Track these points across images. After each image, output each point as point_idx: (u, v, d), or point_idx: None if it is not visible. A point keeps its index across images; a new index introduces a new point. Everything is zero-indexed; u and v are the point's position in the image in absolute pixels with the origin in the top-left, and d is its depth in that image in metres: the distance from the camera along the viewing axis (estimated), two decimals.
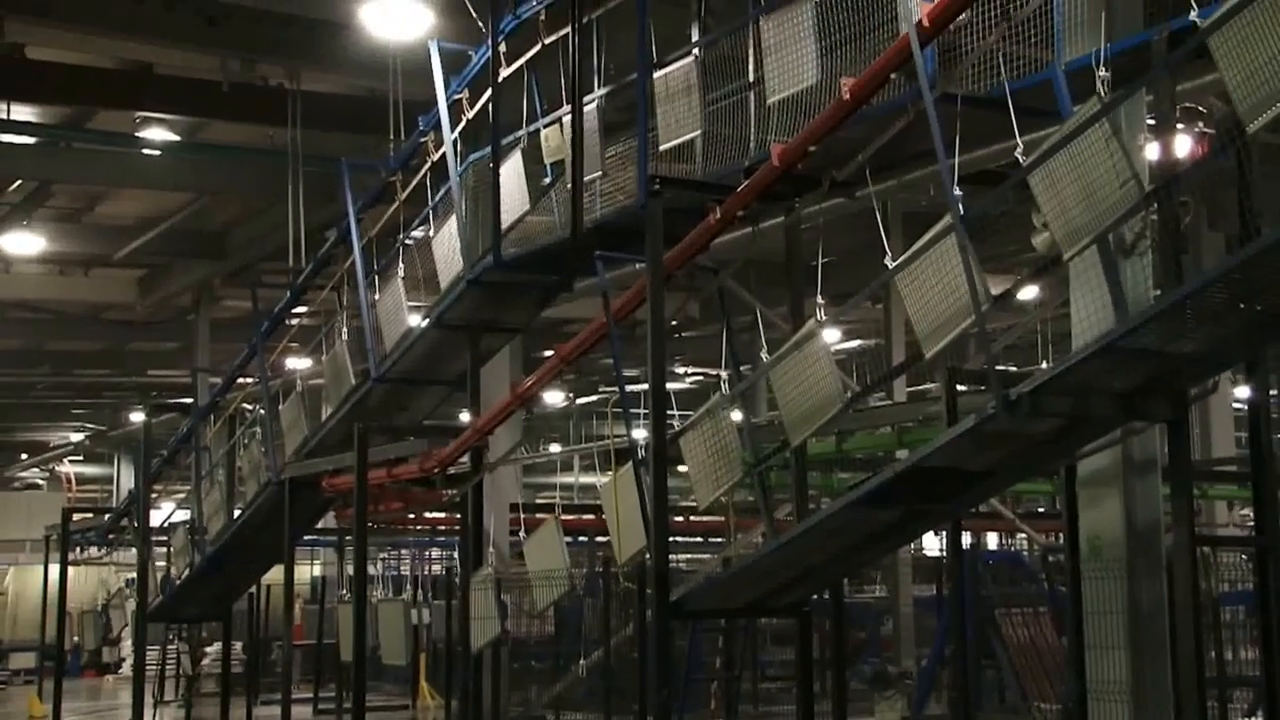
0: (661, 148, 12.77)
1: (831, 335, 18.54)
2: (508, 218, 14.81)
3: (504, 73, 15.09)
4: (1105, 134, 8.69)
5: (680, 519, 24.96)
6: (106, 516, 28.12)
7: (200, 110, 22.31)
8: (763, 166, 11.65)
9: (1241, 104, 7.90)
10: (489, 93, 15.23)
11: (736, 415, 11.90)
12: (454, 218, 15.80)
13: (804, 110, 11.47)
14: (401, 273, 16.78)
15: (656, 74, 12.82)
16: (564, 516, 14.66)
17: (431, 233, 16.47)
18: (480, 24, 15.76)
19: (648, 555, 12.28)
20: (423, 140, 16.47)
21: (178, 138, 23.96)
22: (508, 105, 15.17)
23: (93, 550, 29.44)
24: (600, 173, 13.58)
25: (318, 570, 39.58)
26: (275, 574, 22.47)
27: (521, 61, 15.03)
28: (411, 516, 24.43)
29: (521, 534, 15.18)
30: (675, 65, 12.70)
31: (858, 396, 14.37)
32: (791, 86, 11.33)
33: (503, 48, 15.04)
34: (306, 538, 26.91)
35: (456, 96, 15.89)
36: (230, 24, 19.17)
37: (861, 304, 16.41)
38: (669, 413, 12.08)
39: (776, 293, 14.24)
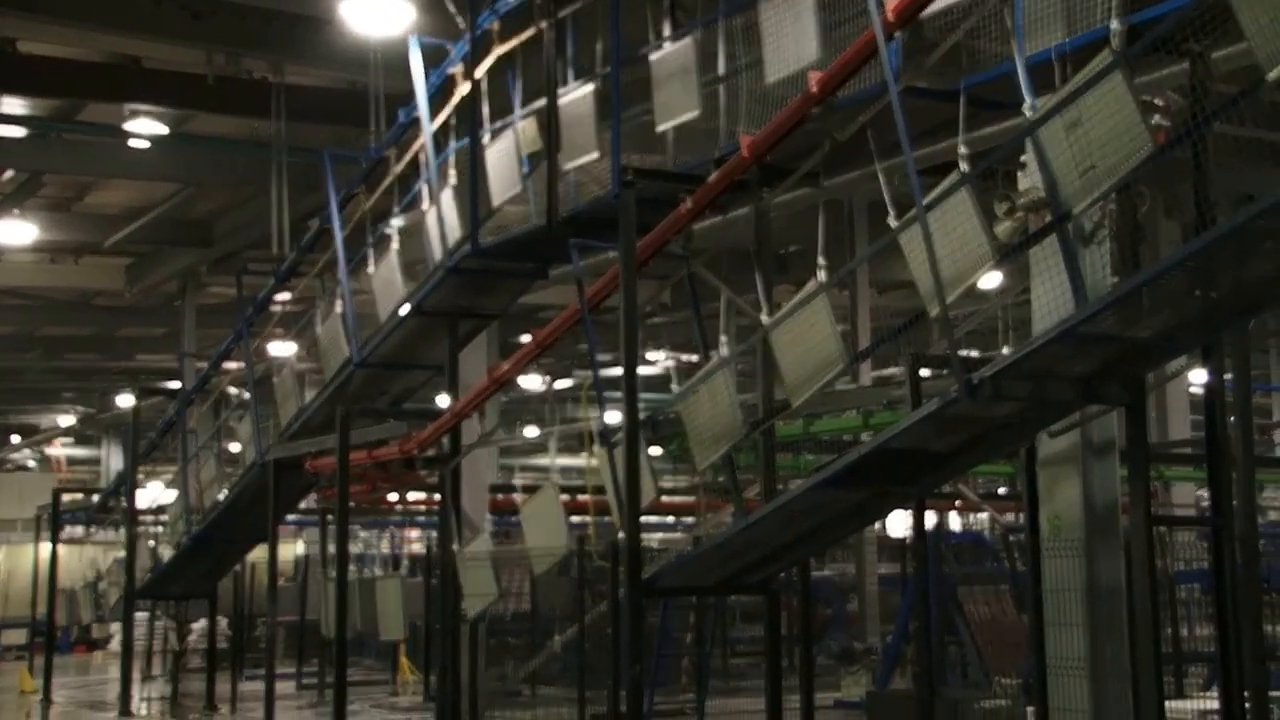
0: (660, 129, 12.87)
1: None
2: (498, 199, 14.97)
3: (481, 68, 15.35)
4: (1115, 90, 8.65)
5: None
6: (95, 497, 28.39)
7: (186, 103, 22.42)
8: (733, 157, 11.83)
9: (1261, 50, 7.82)
10: (468, 87, 15.52)
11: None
12: (434, 206, 16.09)
13: (774, 102, 11.64)
14: (386, 257, 17.09)
15: (654, 56, 12.89)
16: None
17: (424, 206, 16.62)
18: (459, 20, 15.95)
19: (620, 534, 12.47)
20: (416, 115, 16.57)
21: (165, 129, 24.15)
22: (499, 94, 15.37)
23: (81, 529, 29.67)
24: (595, 155, 13.64)
25: (301, 549, 39.69)
26: (260, 552, 22.74)
27: (498, 53, 15.25)
28: (395, 497, 24.65)
29: (518, 495, 15.35)
30: (674, 46, 12.77)
31: (859, 357, 14.22)
32: (792, 66, 11.37)
33: (496, 26, 15.18)
34: (291, 517, 27.14)
35: (451, 70, 16.04)
36: (215, 19, 19.36)
37: (872, 258, 16.09)
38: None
39: (745, 279, 14.27)
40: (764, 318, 11.38)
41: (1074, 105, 8.85)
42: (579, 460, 13.50)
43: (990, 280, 18.21)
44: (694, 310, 13.58)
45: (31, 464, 55.25)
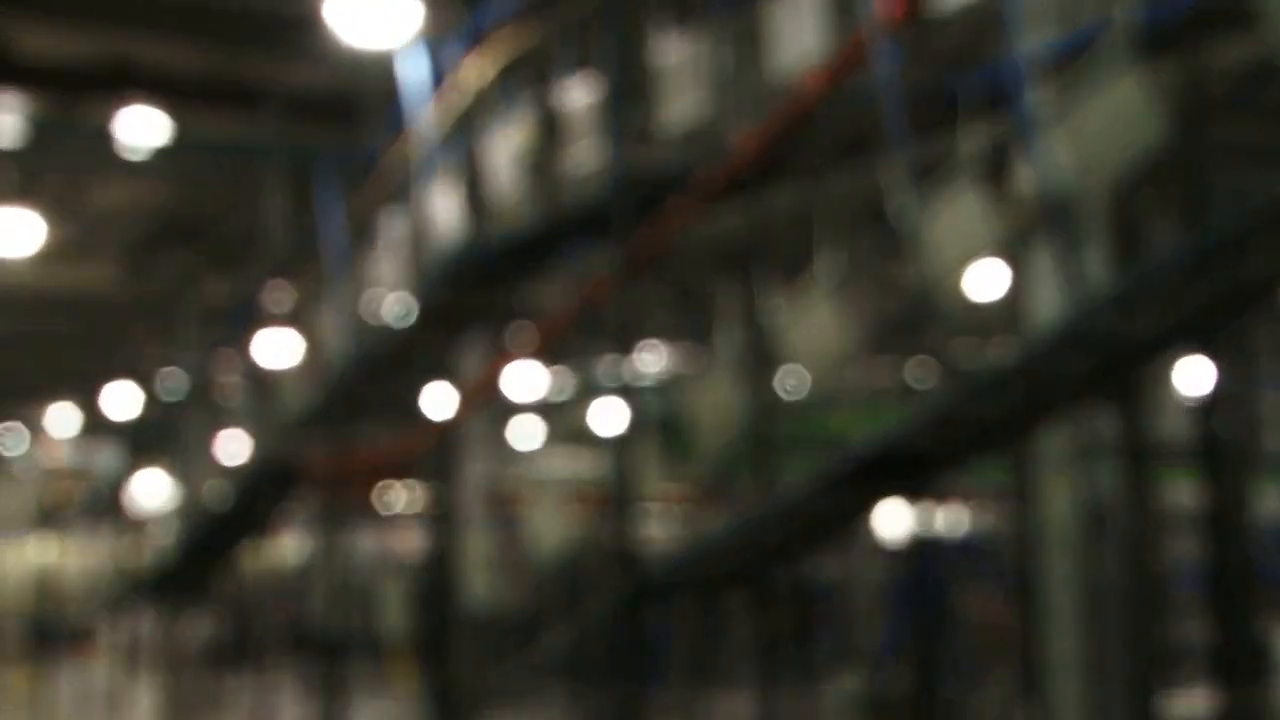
0: (669, 127, 12.81)
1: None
2: (496, 199, 15.00)
3: (480, 67, 15.38)
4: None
5: None
6: (92, 495, 28.42)
7: (185, 103, 22.53)
8: (731, 156, 11.87)
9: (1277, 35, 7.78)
10: (465, 86, 15.56)
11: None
12: (432, 207, 16.18)
13: (775, 100, 11.62)
14: (384, 257, 17.15)
15: (655, 54, 12.88)
16: None
17: (422, 206, 16.69)
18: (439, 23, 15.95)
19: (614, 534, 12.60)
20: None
21: (163, 129, 24.17)
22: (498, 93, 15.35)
23: (79, 527, 29.72)
24: (594, 154, 13.62)
25: (301, 547, 39.72)
26: (259, 550, 22.78)
27: (497, 52, 15.26)
28: (394, 497, 24.72)
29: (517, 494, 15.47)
30: (675, 44, 12.75)
31: (862, 346, 14.23)
32: (796, 56, 11.38)
33: (495, 25, 15.27)
34: (289, 516, 27.16)
35: (448, 70, 16.05)
36: (213, 19, 19.48)
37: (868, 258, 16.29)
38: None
39: (742, 278, 14.23)
40: (764, 313, 11.43)
41: (1075, 100, 8.87)
42: (578, 459, 13.59)
43: (989, 282, 18.40)
44: (689, 307, 13.62)
45: (29, 462, 55.22)
